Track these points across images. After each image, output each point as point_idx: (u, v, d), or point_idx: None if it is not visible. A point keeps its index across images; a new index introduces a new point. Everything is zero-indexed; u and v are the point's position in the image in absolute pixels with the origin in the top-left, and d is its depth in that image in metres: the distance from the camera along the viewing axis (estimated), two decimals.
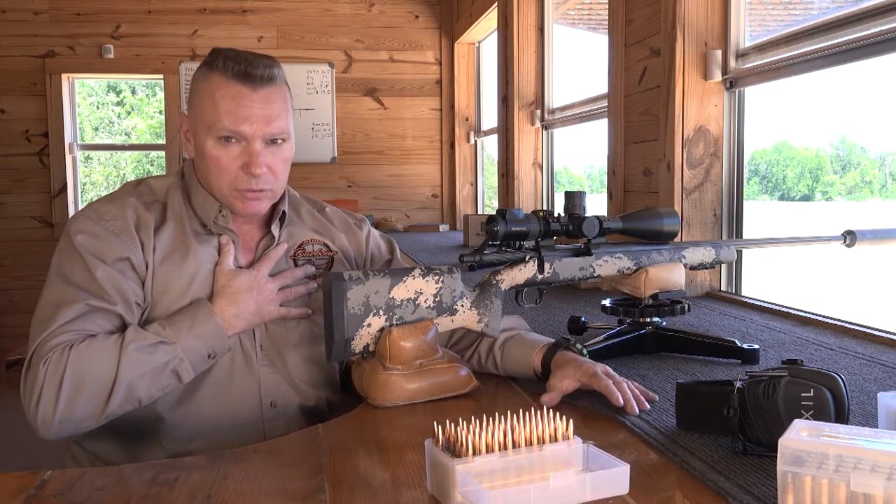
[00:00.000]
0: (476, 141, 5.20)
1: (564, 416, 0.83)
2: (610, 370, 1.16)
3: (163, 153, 5.32)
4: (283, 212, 1.38)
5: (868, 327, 1.58)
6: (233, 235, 1.33)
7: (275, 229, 1.37)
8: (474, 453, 0.78)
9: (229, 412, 1.30)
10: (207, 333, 1.22)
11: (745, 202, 2.17)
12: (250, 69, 1.24)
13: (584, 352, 1.25)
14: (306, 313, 1.35)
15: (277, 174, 1.30)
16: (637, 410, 1.09)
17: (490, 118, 4.90)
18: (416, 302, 1.20)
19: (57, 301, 1.19)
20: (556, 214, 1.29)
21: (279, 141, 1.29)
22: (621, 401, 1.09)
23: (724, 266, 2.15)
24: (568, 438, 0.82)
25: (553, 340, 1.27)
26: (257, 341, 1.33)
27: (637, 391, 1.13)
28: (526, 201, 3.77)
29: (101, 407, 1.14)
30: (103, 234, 1.24)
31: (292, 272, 1.34)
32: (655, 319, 1.44)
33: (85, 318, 1.18)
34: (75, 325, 1.17)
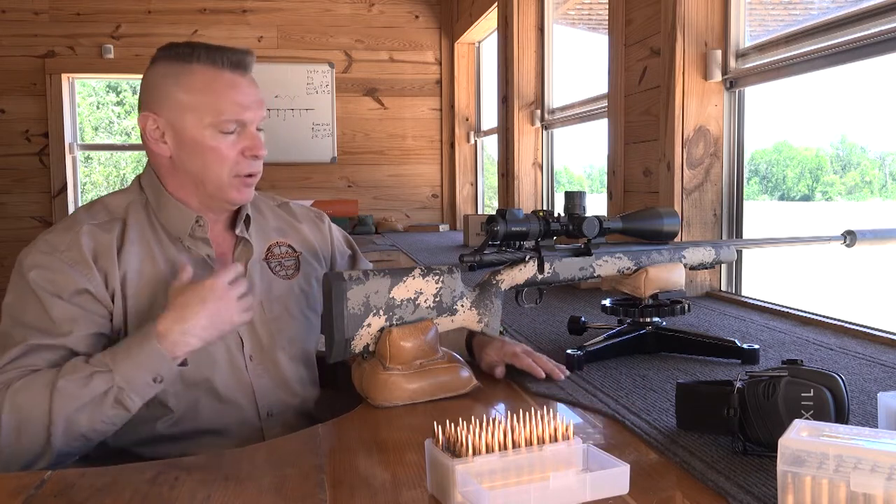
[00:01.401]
0: (476, 141, 5.21)
1: (564, 416, 0.83)
2: (529, 349, 1.29)
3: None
4: (247, 215, 1.36)
5: (868, 327, 1.58)
6: (206, 249, 1.30)
7: (241, 232, 1.35)
8: (474, 453, 0.78)
9: (229, 426, 1.29)
10: (146, 359, 1.12)
11: (745, 202, 2.17)
12: (241, 58, 1.26)
13: (501, 330, 1.34)
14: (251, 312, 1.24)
15: (262, 158, 1.32)
16: (562, 375, 1.24)
17: (490, 118, 4.91)
18: (416, 302, 1.20)
19: (3, 339, 1.16)
20: (556, 214, 1.29)
21: (262, 127, 1.32)
22: (543, 374, 1.24)
23: (724, 266, 2.15)
24: (568, 438, 0.82)
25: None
26: (246, 352, 1.31)
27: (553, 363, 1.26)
28: (526, 201, 3.77)
29: (44, 445, 1.09)
30: (58, 266, 1.19)
31: (236, 271, 1.21)
32: (655, 319, 1.43)
33: (27, 356, 1.14)
34: (17, 364, 1.13)
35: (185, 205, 1.29)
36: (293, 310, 1.38)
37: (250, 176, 1.29)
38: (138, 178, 1.35)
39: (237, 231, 1.35)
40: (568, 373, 1.27)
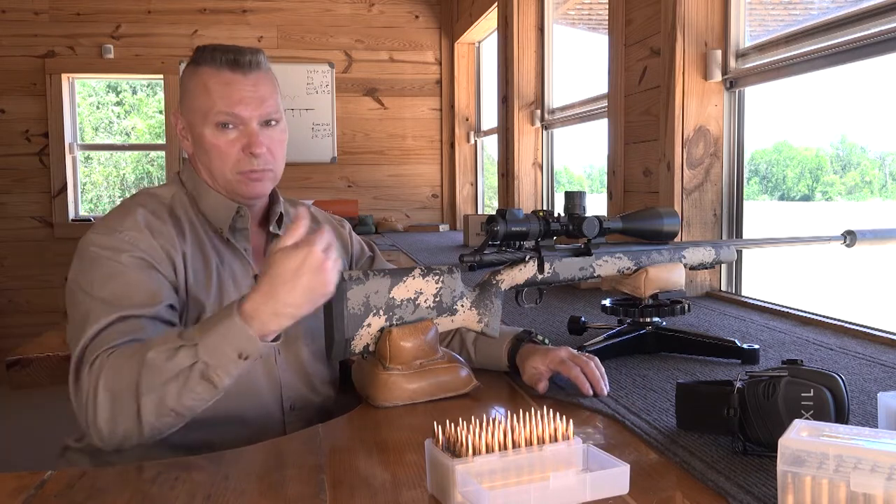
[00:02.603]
0: (476, 141, 5.20)
1: (564, 416, 0.83)
2: (574, 352, 1.22)
3: (163, 153, 5.32)
4: (281, 213, 1.40)
5: (868, 327, 1.58)
6: (244, 243, 1.34)
7: (274, 229, 1.39)
8: (474, 453, 0.78)
9: (256, 417, 1.30)
10: (228, 336, 1.04)
11: (745, 202, 2.17)
12: (238, 56, 1.30)
13: (546, 341, 1.29)
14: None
15: (276, 154, 1.34)
16: (605, 391, 1.17)
17: (490, 118, 4.90)
18: (416, 302, 1.20)
19: (85, 315, 1.15)
20: (556, 214, 1.29)
21: (273, 122, 1.33)
22: (590, 390, 1.16)
23: (724, 266, 2.15)
24: (568, 438, 0.82)
25: (519, 330, 1.31)
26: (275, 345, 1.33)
27: (602, 370, 1.19)
28: (526, 201, 3.77)
29: (135, 418, 1.06)
30: (120, 244, 1.20)
31: (328, 237, 1.06)
32: (655, 319, 1.43)
33: (119, 324, 1.14)
34: (113, 330, 1.13)
35: (219, 190, 1.34)
36: (318, 309, 1.38)
37: (256, 171, 1.31)
38: (177, 173, 1.40)
39: (271, 228, 1.38)
40: (608, 389, 1.18)
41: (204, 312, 1.26)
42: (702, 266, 1.44)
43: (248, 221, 1.34)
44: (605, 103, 2.68)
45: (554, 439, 0.82)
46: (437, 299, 1.22)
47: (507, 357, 1.28)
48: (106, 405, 1.07)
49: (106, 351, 1.10)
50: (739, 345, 1.38)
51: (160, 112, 8.21)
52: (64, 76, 4.87)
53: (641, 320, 1.43)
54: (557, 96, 3.71)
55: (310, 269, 1.03)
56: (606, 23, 2.60)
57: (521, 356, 1.26)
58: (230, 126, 1.29)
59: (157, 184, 4.86)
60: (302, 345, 1.36)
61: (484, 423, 0.81)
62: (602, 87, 2.70)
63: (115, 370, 1.07)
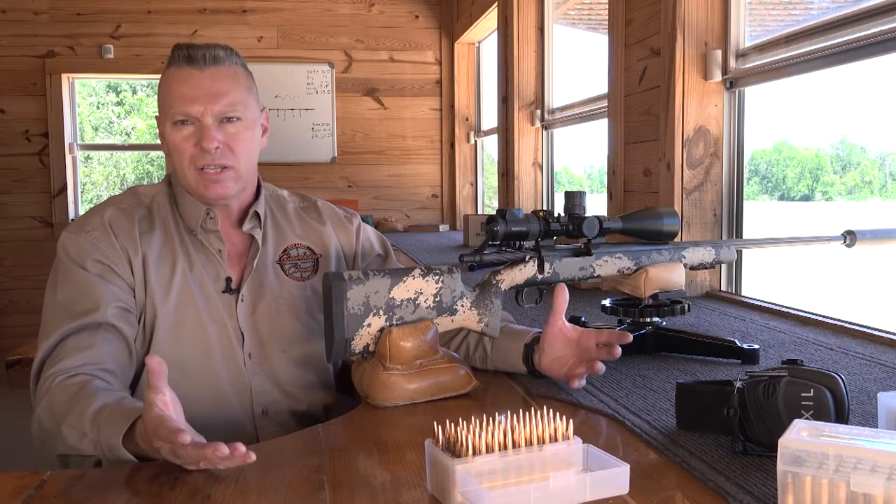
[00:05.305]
0: (476, 141, 5.20)
1: (564, 416, 0.83)
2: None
3: (162, 153, 5.33)
4: (256, 212, 1.37)
5: (868, 327, 1.58)
6: (218, 244, 1.34)
7: (253, 231, 1.37)
8: (474, 453, 0.78)
9: (223, 422, 1.30)
10: (113, 448, 1.00)
11: (745, 202, 2.17)
12: (192, 52, 1.29)
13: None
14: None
15: (236, 151, 1.30)
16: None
17: (490, 118, 4.90)
18: (416, 302, 1.20)
19: (45, 319, 1.24)
20: (556, 214, 1.29)
21: (233, 119, 1.29)
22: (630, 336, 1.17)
23: (724, 266, 2.15)
24: (568, 438, 0.82)
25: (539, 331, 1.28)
26: (245, 349, 1.33)
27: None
28: (526, 201, 3.77)
29: (53, 449, 1.14)
30: (84, 244, 1.27)
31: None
32: (655, 319, 1.43)
33: (67, 340, 1.20)
34: (62, 350, 1.19)
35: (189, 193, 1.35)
36: (300, 312, 1.38)
37: (217, 170, 1.29)
38: (168, 174, 1.42)
39: (244, 229, 1.37)
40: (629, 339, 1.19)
41: (157, 318, 1.28)
42: (702, 266, 1.44)
43: (219, 223, 1.34)
44: (605, 103, 2.68)
45: (554, 439, 0.82)
46: (437, 299, 1.22)
47: (531, 339, 1.25)
48: (38, 425, 1.15)
49: (54, 374, 1.16)
50: (739, 345, 1.38)
51: None
52: (64, 76, 4.86)
53: (641, 320, 1.43)
54: (557, 96, 3.71)
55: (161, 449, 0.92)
56: (606, 23, 2.60)
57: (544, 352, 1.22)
58: (186, 123, 1.29)
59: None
60: (277, 350, 1.35)
61: (484, 423, 0.81)
62: (602, 87, 2.70)
63: (48, 406, 1.13)
